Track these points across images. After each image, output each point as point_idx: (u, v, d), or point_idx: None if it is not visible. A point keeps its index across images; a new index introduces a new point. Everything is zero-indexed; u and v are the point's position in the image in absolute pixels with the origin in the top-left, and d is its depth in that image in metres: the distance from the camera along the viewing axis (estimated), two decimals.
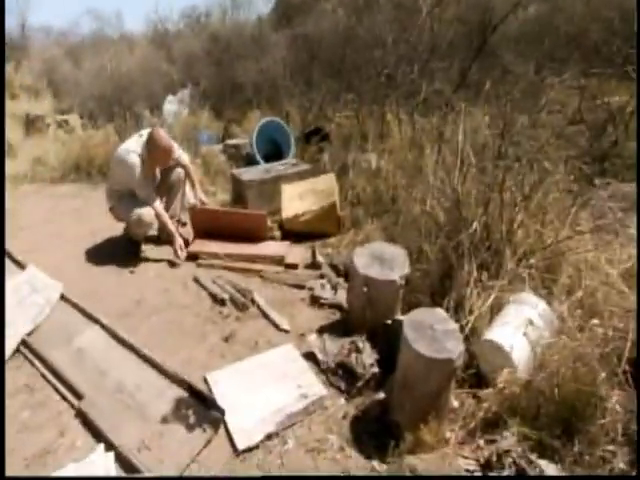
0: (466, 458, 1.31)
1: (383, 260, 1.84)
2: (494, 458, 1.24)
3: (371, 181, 3.00)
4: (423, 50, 4.14)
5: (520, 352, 1.56)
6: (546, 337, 1.60)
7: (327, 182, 3.00)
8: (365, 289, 1.78)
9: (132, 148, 2.50)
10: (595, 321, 1.58)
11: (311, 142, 3.98)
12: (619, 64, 3.70)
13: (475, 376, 1.67)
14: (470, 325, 1.71)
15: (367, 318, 1.83)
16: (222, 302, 2.19)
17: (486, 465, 1.26)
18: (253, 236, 2.68)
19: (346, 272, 2.31)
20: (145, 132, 2.58)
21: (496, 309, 1.77)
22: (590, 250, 1.96)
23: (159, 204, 2.60)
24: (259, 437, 1.48)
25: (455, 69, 4.15)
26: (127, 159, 2.46)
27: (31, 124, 5.85)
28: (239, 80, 6.08)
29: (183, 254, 2.58)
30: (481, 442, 1.37)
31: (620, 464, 1.32)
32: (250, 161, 3.86)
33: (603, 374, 1.41)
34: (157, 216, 2.56)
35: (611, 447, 1.34)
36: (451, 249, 1.99)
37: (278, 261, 2.53)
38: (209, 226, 2.73)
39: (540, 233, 2.01)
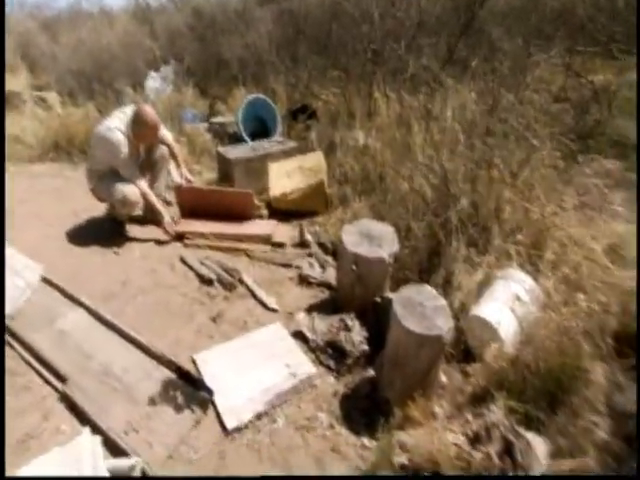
0: (454, 432, 1.29)
1: (372, 238, 1.78)
2: (482, 432, 1.22)
3: (359, 159, 2.90)
4: (410, 25, 3.98)
5: (507, 327, 1.54)
6: (532, 312, 1.58)
7: (315, 160, 2.90)
8: (354, 267, 1.72)
9: (115, 125, 2.34)
10: (579, 295, 1.56)
11: (298, 120, 3.83)
12: (604, 42, 3.63)
13: (463, 352, 1.66)
14: (458, 301, 1.68)
15: (356, 296, 1.78)
16: (209, 282, 2.11)
17: (474, 439, 1.24)
18: (240, 215, 2.58)
19: (334, 250, 2.25)
20: (128, 109, 2.42)
21: (484, 285, 1.74)
22: (574, 226, 1.94)
23: (144, 182, 2.47)
24: (248, 416, 1.44)
25: (442, 45, 4.01)
26: (110, 137, 2.31)
27: (8, 101, 5.52)
28: (224, 56, 5.80)
29: (171, 230, 2.47)
30: (469, 416, 1.35)
31: (602, 434, 1.32)
32: (236, 139, 3.70)
33: (587, 347, 1.40)
34: (142, 195, 2.43)
35: (594, 418, 1.34)
36: (439, 226, 1.94)
37: (265, 240, 2.45)
38: (195, 205, 2.62)
39: (527, 209, 1.97)
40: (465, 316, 1.66)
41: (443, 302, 1.43)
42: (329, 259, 2.24)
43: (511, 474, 1.15)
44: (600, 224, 1.95)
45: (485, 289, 1.72)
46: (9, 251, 2.27)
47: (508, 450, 1.16)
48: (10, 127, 4.51)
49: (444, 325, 1.32)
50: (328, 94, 4.20)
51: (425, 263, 1.97)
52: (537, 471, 1.13)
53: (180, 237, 2.50)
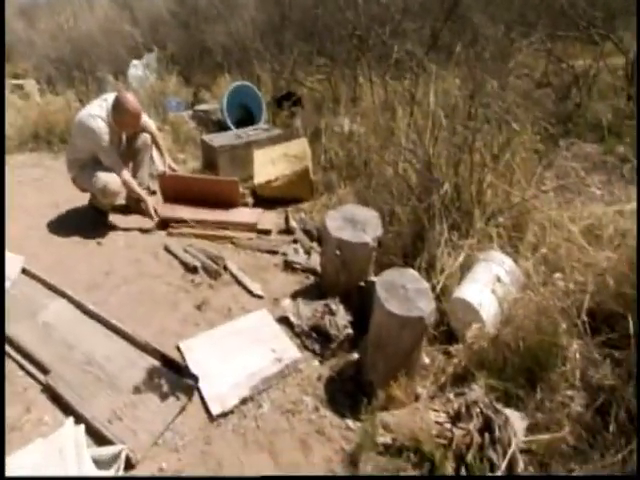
0: (436, 411, 1.30)
1: (355, 223, 1.76)
2: (463, 410, 1.24)
3: (344, 145, 2.87)
4: (395, 11, 3.91)
5: (488, 308, 1.55)
6: (513, 293, 1.59)
7: (299, 147, 2.85)
8: (338, 252, 1.71)
9: (96, 112, 2.26)
10: (557, 275, 1.57)
11: (283, 107, 3.76)
12: (584, 27, 3.62)
13: (446, 333, 1.66)
14: (441, 284, 1.68)
15: (341, 281, 1.77)
16: (194, 270, 2.08)
17: (455, 417, 1.25)
18: (225, 203, 2.53)
19: (319, 236, 2.23)
20: (110, 96, 2.34)
21: (466, 267, 1.75)
22: (553, 209, 1.95)
23: (126, 171, 2.40)
24: (233, 402, 1.43)
25: (427, 31, 3.96)
26: (91, 124, 2.23)
27: None
28: (208, 44, 5.65)
29: (155, 215, 2.42)
30: (451, 395, 1.37)
31: (577, 407, 1.34)
32: (221, 127, 3.62)
33: (564, 325, 1.41)
34: (124, 183, 2.36)
35: (570, 392, 1.37)
36: (423, 211, 1.93)
37: (251, 228, 2.42)
38: (179, 194, 2.55)
39: (508, 193, 1.97)
40: (448, 298, 1.67)
41: (425, 285, 1.43)
42: (314, 245, 2.22)
43: (492, 450, 1.17)
44: (578, 206, 1.96)
45: (467, 271, 1.72)
46: None
47: (487, 426, 1.18)
48: None
49: (426, 307, 1.32)
50: (313, 81, 4.13)
51: (409, 247, 1.96)
52: (515, 444, 1.15)
53: (165, 224, 2.44)
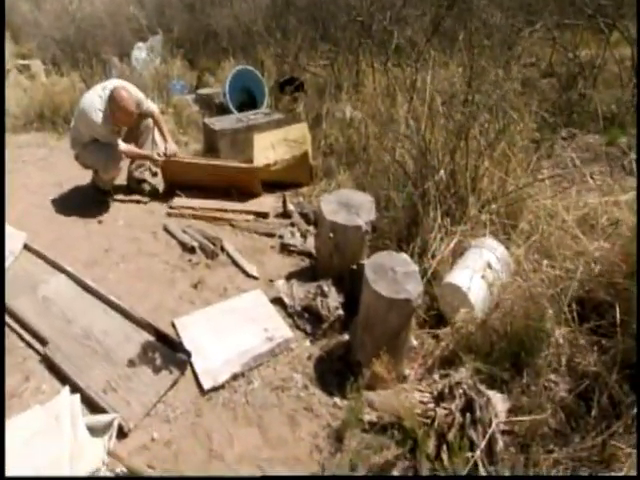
0: (421, 392, 1.31)
1: (350, 207, 1.75)
2: (446, 390, 1.24)
3: (344, 131, 2.83)
4: None
5: (477, 293, 1.55)
6: (502, 279, 1.58)
7: (299, 131, 2.82)
8: (331, 235, 1.70)
9: (97, 105, 2.26)
10: (546, 262, 1.56)
11: (285, 92, 3.70)
12: (590, 16, 3.51)
13: (436, 317, 1.66)
14: (432, 268, 1.67)
15: (334, 264, 1.77)
16: (191, 250, 2.09)
17: (439, 397, 1.26)
18: (242, 192, 2.47)
19: (316, 220, 2.22)
20: (110, 84, 2.33)
21: (458, 253, 1.74)
22: (549, 197, 1.92)
23: (122, 142, 2.39)
24: (225, 377, 1.44)
25: (429, 17, 3.86)
26: (92, 117, 2.25)
27: None
28: (213, 28, 5.56)
29: (159, 158, 2.43)
30: (437, 377, 1.38)
31: (561, 392, 1.35)
32: (223, 111, 3.58)
33: (551, 311, 1.41)
34: (125, 153, 2.38)
35: (554, 377, 1.37)
36: (418, 197, 1.91)
37: (249, 210, 2.41)
38: (183, 179, 2.52)
39: (503, 181, 1.94)
40: (438, 283, 1.66)
41: (414, 268, 1.42)
42: (311, 229, 2.22)
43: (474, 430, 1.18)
44: (573, 195, 1.93)
45: (459, 257, 1.71)
46: None
47: (469, 406, 1.18)
48: None
49: (413, 290, 1.32)
50: (316, 66, 4.07)
51: (404, 232, 1.95)
52: (495, 425, 1.16)
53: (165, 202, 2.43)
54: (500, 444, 1.15)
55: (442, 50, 2.90)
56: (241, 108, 3.52)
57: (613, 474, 1.12)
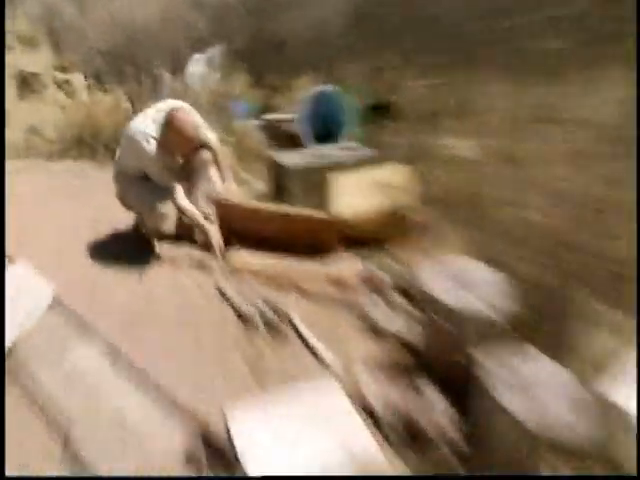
0: None
1: (466, 283, 1.88)
2: None
3: (455, 173, 3.03)
4: None
5: None
6: None
7: (395, 173, 3.06)
8: (437, 318, 1.83)
9: (149, 131, 2.68)
10: None
11: (377, 119, 4.05)
12: None
13: None
14: (577, 372, 1.70)
15: (439, 356, 1.88)
16: (250, 320, 2.33)
17: None
18: (313, 247, 2.75)
19: (414, 294, 2.37)
20: (165, 106, 2.78)
21: (613, 356, 1.75)
22: None
23: (183, 195, 2.79)
24: None
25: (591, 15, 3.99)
26: (143, 146, 2.66)
27: (26, 84, 6.28)
28: (284, 36, 6.24)
29: (220, 248, 2.76)
30: None
31: None
32: (296, 142, 4.00)
33: None
34: (180, 209, 2.77)
35: None
36: (562, 272, 1.99)
37: (324, 273, 2.64)
38: (244, 228, 2.87)
39: None
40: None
41: (561, 371, 1.48)
42: (405, 303, 2.36)
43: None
44: None
45: (616, 362, 1.72)
46: (20, 267, 2.67)
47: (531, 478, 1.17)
48: (28, 115, 5.25)
49: (567, 415, 1.36)
50: (418, 86, 4.39)
51: (537, 320, 2.01)
52: None
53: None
54: None
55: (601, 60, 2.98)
56: (318, 139, 3.91)
57: None
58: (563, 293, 1.98)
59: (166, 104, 2.83)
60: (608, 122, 2.51)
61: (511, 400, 1.41)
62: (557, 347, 1.83)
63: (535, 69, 3.44)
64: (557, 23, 3.82)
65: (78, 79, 6.28)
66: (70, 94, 5.85)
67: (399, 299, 2.40)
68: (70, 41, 7.96)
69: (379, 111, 4.15)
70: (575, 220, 2.10)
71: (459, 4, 4.27)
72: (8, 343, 2.21)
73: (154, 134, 2.69)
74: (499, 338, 1.89)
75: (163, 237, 2.99)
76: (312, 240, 2.76)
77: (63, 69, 6.97)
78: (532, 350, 1.60)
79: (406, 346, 2.16)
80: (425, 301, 1.96)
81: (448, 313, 1.80)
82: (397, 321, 2.26)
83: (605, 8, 3.71)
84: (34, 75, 6.43)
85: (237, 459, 1.66)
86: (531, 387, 1.46)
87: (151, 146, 2.67)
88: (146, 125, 2.72)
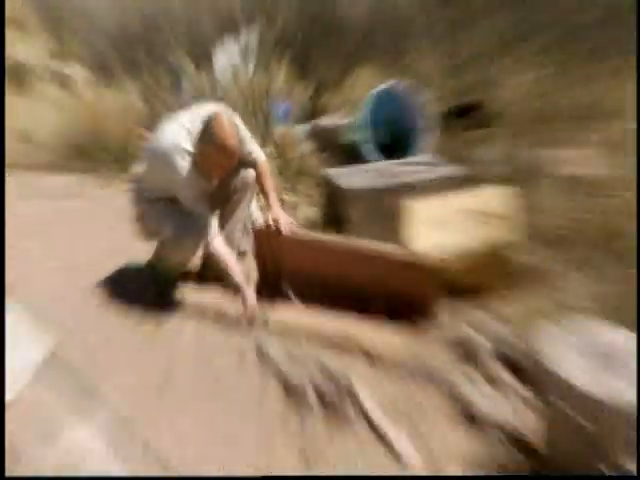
0: None
1: (607, 358, 1.78)
2: None
3: (578, 200, 2.93)
4: None
5: None
6: None
7: (493, 198, 2.99)
8: (568, 409, 1.73)
9: (185, 145, 2.67)
10: None
11: (463, 126, 4.01)
12: None
13: None
14: None
15: (571, 459, 1.77)
16: (301, 393, 2.28)
17: None
18: (401, 301, 2.65)
19: (527, 369, 2.27)
20: (204, 111, 2.76)
21: None
22: None
23: (221, 240, 2.78)
24: None
25: None
26: (174, 164, 2.65)
27: (15, 77, 6.33)
28: (338, 16, 6.27)
29: (253, 312, 2.72)
30: None
31: None
32: (355, 155, 3.99)
33: None
34: (217, 255, 2.76)
35: None
36: None
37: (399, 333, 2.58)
38: (295, 267, 2.85)
39: None
40: None
41: None
42: (514, 381, 2.26)
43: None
44: None
45: None
46: (13, 315, 2.72)
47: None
48: (18, 117, 5.33)
49: None
50: (520, 81, 4.30)
51: None
52: None
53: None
54: None
55: None
56: (385, 151, 3.88)
57: None
58: None
59: (204, 109, 2.82)
60: None
61: None
62: None
63: None
64: None
65: (80, 71, 6.41)
66: (70, 90, 5.96)
67: (505, 375, 2.30)
68: (71, 24, 8.13)
69: (466, 115, 4.09)
70: None
71: None
72: None
73: (189, 148, 2.68)
74: None
75: (187, 277, 3.02)
76: (390, 284, 2.68)
77: (61, 59, 7.12)
78: None
79: (517, 443, 2.06)
80: (546, 381, 1.86)
81: (582, 401, 1.70)
82: (503, 406, 2.16)
83: None
84: (25, 66, 6.59)
85: None
86: None
87: (185, 164, 2.66)
88: (181, 136, 2.70)
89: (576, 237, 2.79)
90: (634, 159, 2.93)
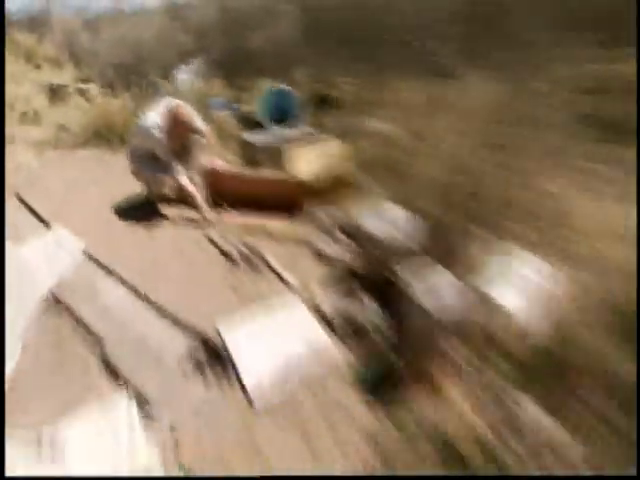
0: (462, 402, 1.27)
1: (391, 222, 1.74)
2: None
3: (379, 146, 2.83)
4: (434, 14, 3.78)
5: (518, 308, 1.49)
6: (542, 292, 1.52)
7: (335, 147, 2.85)
8: (371, 249, 1.70)
9: (158, 121, 2.46)
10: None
11: (320, 109, 3.77)
12: None
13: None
14: (472, 282, 1.62)
15: (372, 274, 1.76)
16: (232, 258, 2.14)
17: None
18: (286, 207, 2.49)
19: (353, 232, 2.22)
20: (168, 103, 2.53)
21: (498, 268, 1.68)
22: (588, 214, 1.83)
23: (182, 174, 2.53)
24: (274, 397, 1.45)
25: (470, 35, 3.79)
26: (152, 132, 2.45)
27: (54, 93, 5.68)
28: (250, 49, 5.75)
29: (211, 217, 2.51)
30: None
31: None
32: (260, 126, 3.68)
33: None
34: (181, 187, 2.52)
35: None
36: (459, 212, 1.87)
37: (288, 221, 2.45)
38: (227, 191, 2.60)
39: (542, 194, 1.87)
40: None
41: (452, 277, 1.39)
42: (348, 240, 2.22)
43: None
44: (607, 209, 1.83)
45: (498, 272, 1.66)
46: (57, 229, 2.37)
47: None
48: (57, 117, 4.68)
49: (455, 303, 1.28)
50: (352, 83, 4.09)
51: (444, 247, 1.91)
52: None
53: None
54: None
55: (478, 67, 2.84)
56: (276, 123, 3.60)
57: None
58: (456, 226, 1.88)
59: (168, 102, 2.58)
60: (484, 107, 2.35)
61: (422, 298, 1.31)
62: (451, 262, 1.75)
63: (431, 71, 3.23)
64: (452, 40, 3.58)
65: (94, 88, 5.62)
66: (89, 99, 5.21)
67: (341, 236, 2.25)
68: (87, 59, 7.20)
69: (323, 102, 3.83)
70: (465, 175, 1.96)
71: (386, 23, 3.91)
72: (51, 285, 1.96)
73: (160, 122, 2.47)
74: (413, 258, 1.79)
75: (166, 200, 2.72)
76: (282, 196, 2.52)
77: (83, 81, 6.28)
78: (436, 265, 1.48)
79: (348, 268, 2.04)
80: (360, 236, 1.81)
81: (377, 243, 1.67)
82: (339, 251, 2.12)
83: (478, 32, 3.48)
84: (61, 86, 5.80)
85: (229, 355, 1.53)
86: (435, 289, 1.35)
87: (160, 132, 2.45)
88: (155, 117, 2.50)
89: (378, 166, 2.70)
90: (407, 124, 2.84)
